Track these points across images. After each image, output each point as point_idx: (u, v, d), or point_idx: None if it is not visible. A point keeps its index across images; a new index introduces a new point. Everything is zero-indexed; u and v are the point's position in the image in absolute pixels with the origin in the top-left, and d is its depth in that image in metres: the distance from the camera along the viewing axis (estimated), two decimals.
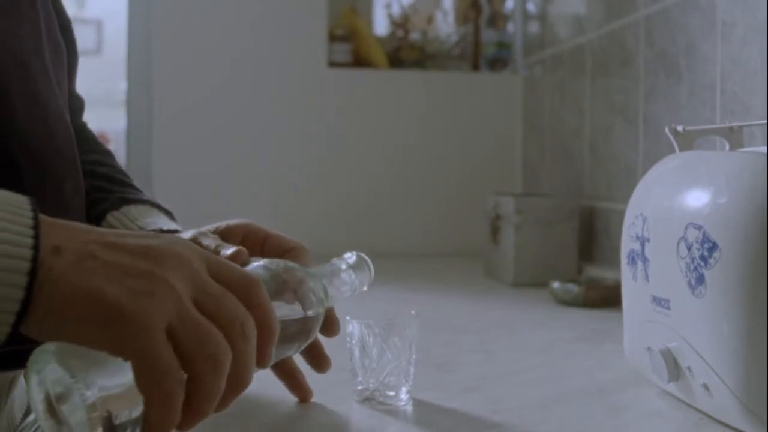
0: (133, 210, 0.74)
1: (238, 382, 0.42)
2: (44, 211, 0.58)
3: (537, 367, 0.78)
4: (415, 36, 1.95)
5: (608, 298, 1.10)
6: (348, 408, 0.64)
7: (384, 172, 1.82)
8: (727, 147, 0.71)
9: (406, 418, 0.62)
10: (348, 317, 0.65)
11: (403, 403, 0.64)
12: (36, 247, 0.38)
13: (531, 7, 1.86)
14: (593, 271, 1.36)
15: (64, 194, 0.62)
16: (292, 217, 1.73)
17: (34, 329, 0.39)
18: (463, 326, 1.00)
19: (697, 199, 0.58)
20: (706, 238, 0.56)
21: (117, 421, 0.40)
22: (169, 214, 0.75)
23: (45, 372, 0.41)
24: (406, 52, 1.91)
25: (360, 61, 1.86)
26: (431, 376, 0.73)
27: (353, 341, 0.64)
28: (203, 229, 0.69)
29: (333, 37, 1.83)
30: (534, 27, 1.83)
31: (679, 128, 0.71)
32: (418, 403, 0.65)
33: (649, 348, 0.64)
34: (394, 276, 1.47)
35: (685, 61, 1.12)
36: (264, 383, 0.71)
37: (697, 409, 0.61)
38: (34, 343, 0.61)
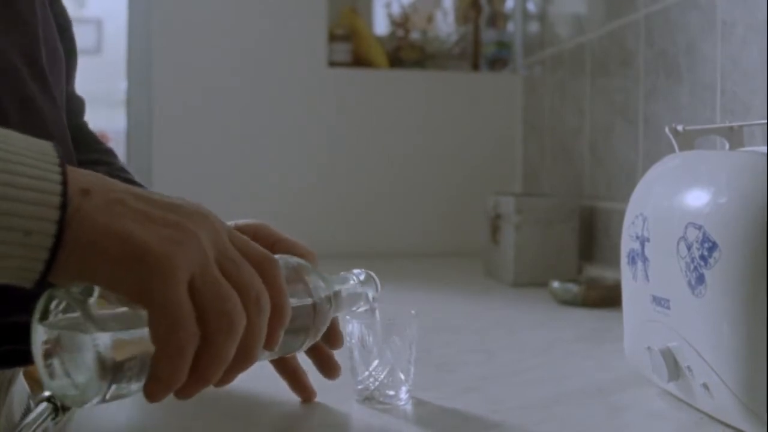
0: None
1: (245, 354, 0.43)
2: None
3: (537, 367, 0.78)
4: (415, 36, 1.95)
5: (608, 297, 1.10)
6: (348, 408, 0.64)
7: (384, 172, 1.82)
8: (727, 147, 0.71)
9: (406, 418, 0.62)
10: (348, 317, 0.65)
11: (403, 403, 0.64)
12: (65, 183, 0.38)
13: (531, 6, 1.86)
14: (593, 271, 1.36)
15: None
16: (292, 217, 1.73)
17: (60, 269, 0.39)
18: (463, 326, 1.00)
19: (697, 198, 0.58)
20: (706, 238, 0.55)
21: (123, 370, 0.40)
22: None
23: (55, 312, 0.41)
24: (406, 52, 1.91)
25: (360, 60, 1.86)
26: (431, 376, 0.73)
27: (353, 341, 0.64)
28: None
29: (333, 37, 1.83)
30: (534, 27, 1.83)
31: (679, 128, 0.71)
32: (418, 403, 0.65)
33: (649, 348, 0.64)
34: (394, 276, 1.47)
35: (685, 61, 1.12)
36: (264, 383, 0.71)
37: (697, 409, 0.61)
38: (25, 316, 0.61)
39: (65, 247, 0.38)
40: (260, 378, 0.73)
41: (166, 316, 0.39)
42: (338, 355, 0.66)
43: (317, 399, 0.65)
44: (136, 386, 0.42)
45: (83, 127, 0.83)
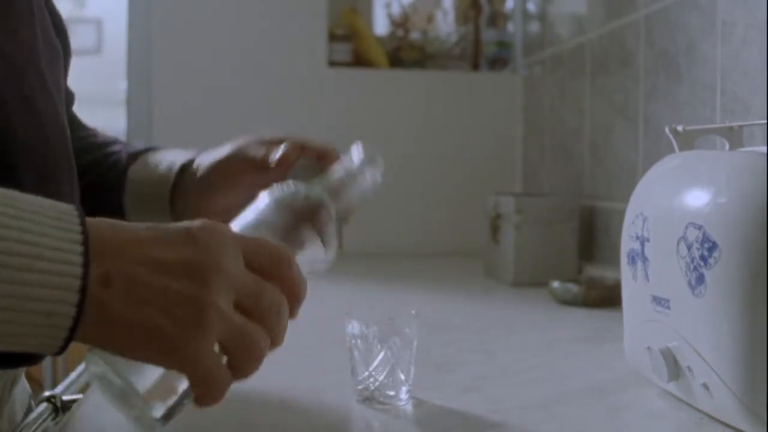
0: (148, 158, 0.77)
1: (274, 347, 0.47)
2: None
3: (537, 367, 0.78)
4: (415, 36, 1.95)
5: (608, 297, 1.10)
6: (348, 408, 0.64)
7: (384, 172, 1.82)
8: (727, 147, 0.71)
9: (406, 418, 0.62)
10: (348, 317, 0.65)
11: (403, 403, 0.64)
12: (86, 265, 0.40)
13: (531, 6, 1.86)
14: (593, 271, 1.36)
15: (62, 196, 0.63)
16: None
17: (81, 341, 0.42)
18: (463, 326, 1.00)
19: (697, 198, 0.58)
20: (706, 238, 0.55)
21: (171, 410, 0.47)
22: (176, 151, 0.78)
23: (103, 379, 0.46)
24: (406, 52, 1.91)
25: (360, 60, 1.86)
26: (431, 376, 0.73)
27: (353, 341, 0.64)
28: (242, 142, 0.73)
29: (333, 37, 1.83)
30: (534, 27, 1.83)
31: (679, 128, 0.71)
32: (418, 403, 0.65)
33: (649, 348, 0.64)
34: (394, 276, 1.47)
35: (685, 61, 1.12)
36: (264, 383, 0.71)
37: (697, 409, 0.61)
38: None
39: (84, 326, 0.41)
40: (260, 378, 0.73)
41: (201, 380, 0.44)
42: (338, 355, 0.66)
43: (317, 399, 0.65)
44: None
45: (72, 116, 0.84)
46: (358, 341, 0.64)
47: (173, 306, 0.42)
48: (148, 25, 1.77)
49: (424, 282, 1.40)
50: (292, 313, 0.49)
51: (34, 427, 0.68)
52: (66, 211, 0.42)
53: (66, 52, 0.76)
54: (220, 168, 0.72)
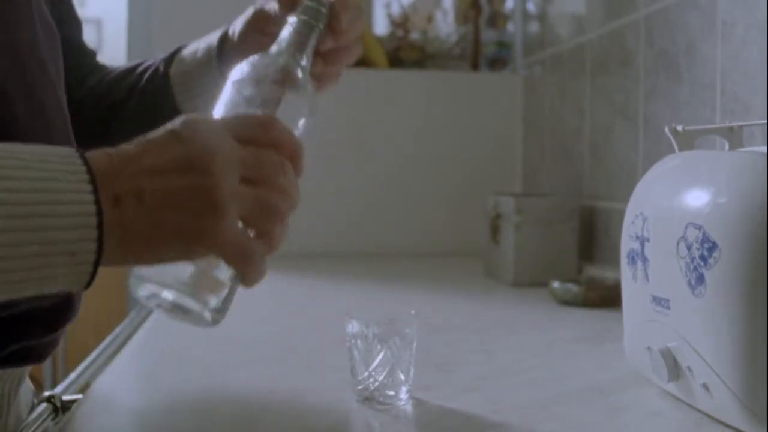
0: (182, 54, 0.80)
1: (293, 206, 0.50)
2: None
3: (537, 367, 0.78)
4: (415, 36, 1.95)
5: (608, 298, 1.10)
6: (348, 408, 0.64)
7: (384, 172, 1.82)
8: (727, 147, 0.71)
9: (406, 418, 0.62)
10: (348, 317, 0.65)
11: (403, 403, 0.64)
12: (98, 201, 0.42)
13: (531, 7, 1.86)
14: (593, 271, 1.36)
15: None
16: (292, 217, 1.73)
17: (115, 262, 0.44)
18: (463, 326, 1.00)
19: (697, 198, 0.58)
20: (705, 238, 0.56)
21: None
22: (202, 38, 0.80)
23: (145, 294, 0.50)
24: (406, 52, 1.91)
25: (360, 61, 1.85)
26: (431, 376, 0.73)
27: (353, 341, 0.64)
28: None
29: None
30: (534, 27, 1.83)
31: (679, 128, 0.71)
32: (418, 403, 0.65)
33: (649, 348, 0.64)
34: (394, 276, 1.47)
35: (685, 61, 1.12)
36: (264, 383, 0.71)
37: (697, 409, 0.61)
38: (43, 340, 0.62)
39: (109, 252, 0.43)
40: (260, 378, 0.73)
41: (239, 260, 0.47)
42: (338, 355, 0.66)
43: (317, 399, 0.65)
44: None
45: (83, 48, 0.85)
46: (358, 341, 0.64)
47: (184, 201, 0.44)
48: (148, 25, 1.77)
49: (424, 282, 1.40)
50: (297, 170, 0.51)
51: (34, 427, 0.68)
52: (67, 154, 0.43)
53: (72, 20, 0.78)
54: (253, 23, 0.74)
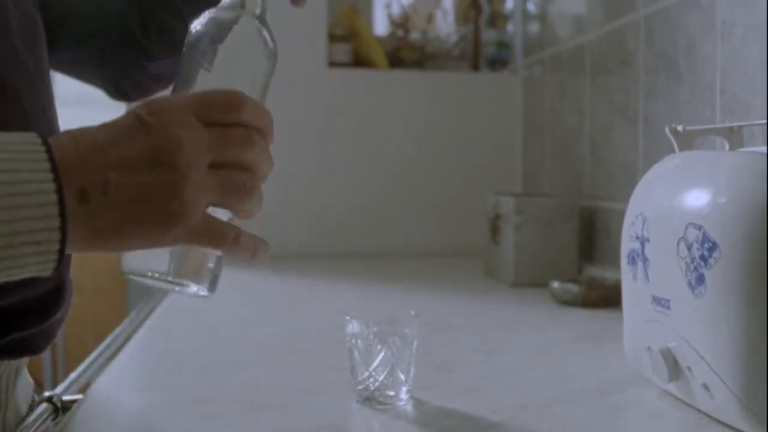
0: None
1: (263, 177, 0.51)
2: None
3: (537, 367, 0.78)
4: (415, 36, 1.95)
5: (608, 298, 1.10)
6: (348, 408, 0.64)
7: (384, 172, 1.82)
8: (727, 147, 0.71)
9: (406, 418, 0.62)
10: (348, 317, 0.65)
11: (403, 403, 0.64)
12: (60, 190, 0.42)
13: (531, 7, 1.86)
14: (593, 271, 1.36)
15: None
16: (292, 217, 1.73)
17: (82, 250, 0.45)
18: (463, 326, 1.00)
19: (697, 198, 0.58)
20: (706, 238, 0.56)
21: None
22: None
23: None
24: (406, 52, 1.91)
25: (360, 61, 1.86)
26: (431, 376, 0.73)
27: (353, 341, 0.64)
28: None
29: (333, 37, 1.83)
30: (534, 27, 1.83)
31: (679, 128, 0.71)
32: (418, 403, 0.65)
33: (649, 348, 0.64)
34: (394, 276, 1.47)
35: (685, 61, 1.12)
36: (264, 383, 0.71)
37: (697, 409, 0.61)
38: (36, 331, 0.62)
39: (76, 240, 0.43)
40: (260, 378, 0.73)
41: (220, 245, 0.48)
42: (338, 355, 0.66)
43: (318, 399, 0.65)
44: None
45: None
46: (358, 341, 0.64)
47: (151, 195, 0.44)
48: None
49: (424, 282, 1.40)
50: (267, 140, 0.51)
51: (34, 428, 0.68)
52: (29, 141, 0.43)
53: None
54: None
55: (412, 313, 0.66)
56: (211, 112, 0.48)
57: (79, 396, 0.74)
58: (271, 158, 0.51)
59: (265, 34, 0.58)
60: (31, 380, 0.74)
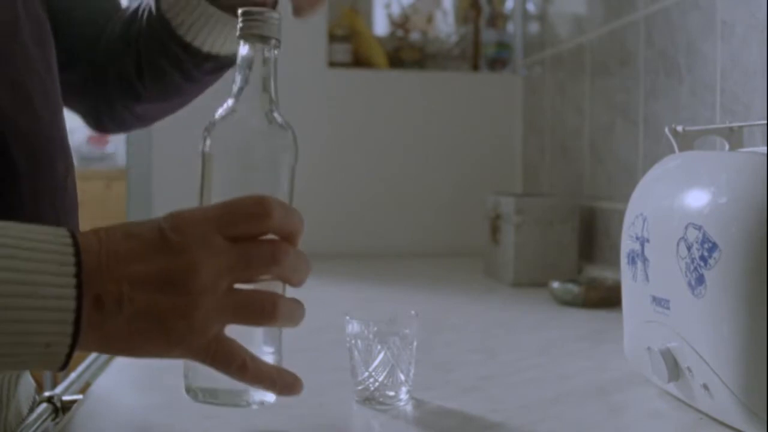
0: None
1: (300, 281, 0.50)
2: (39, 194, 0.60)
3: (537, 367, 0.78)
4: (415, 36, 1.95)
5: (608, 298, 1.10)
6: (348, 408, 0.64)
7: (384, 172, 1.82)
8: (727, 147, 0.71)
9: (406, 418, 0.62)
10: (348, 317, 0.65)
11: (403, 403, 0.64)
12: (80, 297, 0.42)
13: (531, 7, 1.86)
14: (593, 271, 1.36)
15: (57, 176, 0.63)
16: None
17: (91, 351, 0.46)
18: (463, 326, 1.00)
19: (697, 199, 0.58)
20: (706, 238, 0.56)
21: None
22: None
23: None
24: (406, 52, 1.91)
25: (360, 61, 1.86)
26: (431, 376, 0.73)
27: (353, 341, 0.64)
28: None
29: (333, 37, 1.83)
30: (534, 27, 1.83)
31: (679, 128, 0.71)
32: (418, 403, 0.65)
33: (649, 348, 0.64)
34: (394, 276, 1.47)
35: (685, 61, 1.12)
36: None
37: (697, 409, 0.61)
38: None
39: (85, 344, 0.44)
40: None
41: (212, 365, 0.48)
42: (338, 355, 0.66)
43: (318, 399, 0.65)
44: None
45: (115, 24, 0.80)
46: (358, 341, 0.64)
47: (163, 318, 0.44)
48: None
49: (424, 282, 1.40)
50: (298, 241, 0.50)
51: (34, 428, 0.68)
52: (60, 240, 0.43)
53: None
54: None
55: (412, 312, 0.66)
56: (236, 225, 0.47)
57: (79, 396, 0.74)
58: (305, 263, 0.50)
59: (279, 119, 0.56)
60: (32, 381, 0.74)
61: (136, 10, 0.78)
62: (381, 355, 0.63)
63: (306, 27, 1.80)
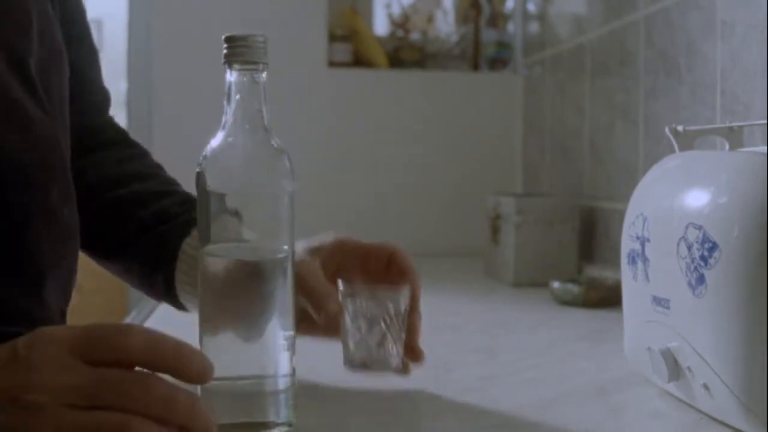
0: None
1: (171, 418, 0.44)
2: (29, 219, 0.59)
3: (537, 367, 0.78)
4: (415, 36, 1.95)
5: (608, 298, 1.10)
6: (348, 407, 0.64)
7: (384, 172, 1.82)
8: (727, 147, 0.71)
9: (405, 418, 0.62)
10: (340, 280, 0.65)
11: (395, 366, 0.63)
12: None
13: (531, 7, 1.86)
14: (593, 271, 1.36)
15: (49, 202, 0.62)
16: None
17: None
18: (463, 326, 1.00)
19: (697, 198, 0.58)
20: (706, 238, 0.55)
21: None
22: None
23: None
24: (406, 52, 1.91)
25: (360, 61, 1.86)
26: (431, 376, 0.73)
27: (344, 301, 0.64)
28: (302, 248, 0.72)
29: (333, 37, 1.83)
30: (534, 27, 1.83)
31: (679, 128, 0.71)
32: (418, 404, 0.65)
33: (649, 348, 0.64)
34: None
35: (685, 61, 1.12)
36: None
37: (697, 409, 0.61)
38: (19, 328, 0.62)
39: None
40: None
41: None
42: (338, 355, 0.66)
43: (318, 399, 0.65)
44: None
45: (107, 125, 0.82)
46: (348, 301, 0.63)
47: None
48: (148, 25, 1.77)
49: (424, 282, 1.39)
50: (183, 377, 0.46)
51: None
52: None
53: (84, 45, 0.76)
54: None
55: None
56: (93, 348, 0.44)
57: None
58: (186, 405, 0.45)
59: (275, 144, 0.56)
60: None
61: (161, 195, 0.79)
62: (372, 325, 0.63)
63: (306, 27, 1.80)
